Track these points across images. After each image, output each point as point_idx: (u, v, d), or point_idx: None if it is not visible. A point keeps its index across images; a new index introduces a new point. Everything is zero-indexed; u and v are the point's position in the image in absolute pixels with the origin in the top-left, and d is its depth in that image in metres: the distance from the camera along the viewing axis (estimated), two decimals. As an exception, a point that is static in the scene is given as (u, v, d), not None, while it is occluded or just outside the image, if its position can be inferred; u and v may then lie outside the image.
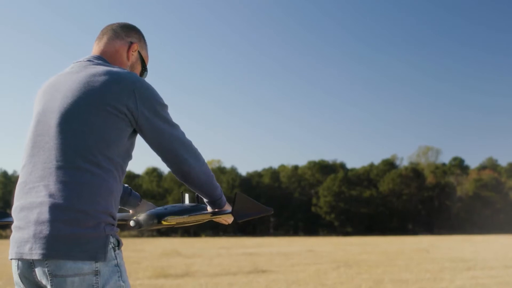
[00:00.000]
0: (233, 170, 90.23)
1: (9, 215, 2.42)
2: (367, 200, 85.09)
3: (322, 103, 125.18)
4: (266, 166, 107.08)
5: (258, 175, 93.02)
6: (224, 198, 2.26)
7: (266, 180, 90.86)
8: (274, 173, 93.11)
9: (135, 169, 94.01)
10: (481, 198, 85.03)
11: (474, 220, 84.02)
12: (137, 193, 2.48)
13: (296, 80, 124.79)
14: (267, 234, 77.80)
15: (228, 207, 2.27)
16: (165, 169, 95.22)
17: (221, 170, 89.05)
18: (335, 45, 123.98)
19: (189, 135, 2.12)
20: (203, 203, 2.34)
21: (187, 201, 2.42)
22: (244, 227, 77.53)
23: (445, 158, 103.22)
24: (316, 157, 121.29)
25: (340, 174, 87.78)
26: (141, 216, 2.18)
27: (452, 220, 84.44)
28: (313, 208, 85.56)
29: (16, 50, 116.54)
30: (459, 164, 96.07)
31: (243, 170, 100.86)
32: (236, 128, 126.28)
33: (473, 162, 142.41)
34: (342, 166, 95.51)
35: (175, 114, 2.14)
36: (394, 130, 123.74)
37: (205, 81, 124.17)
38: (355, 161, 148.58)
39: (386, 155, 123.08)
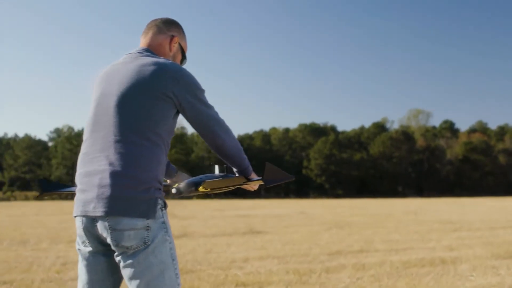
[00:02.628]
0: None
1: (68, 186, 2.81)
2: (357, 163, 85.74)
3: (313, 66, 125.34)
4: (257, 128, 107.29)
5: (249, 137, 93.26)
6: (251, 167, 2.66)
7: (257, 142, 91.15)
8: (265, 136, 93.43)
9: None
10: (471, 161, 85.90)
11: (463, 182, 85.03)
12: (173, 165, 2.93)
13: (287, 43, 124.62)
14: (258, 196, 78.22)
15: (254, 175, 2.67)
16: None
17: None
18: (327, 7, 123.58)
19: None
20: (232, 173, 2.73)
21: (217, 172, 2.83)
22: (236, 190, 77.67)
23: (436, 121, 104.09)
24: (307, 120, 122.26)
25: (331, 137, 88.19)
26: (181, 184, 2.56)
27: (441, 183, 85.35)
28: (304, 171, 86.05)
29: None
30: (449, 127, 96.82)
31: (234, 133, 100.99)
32: (227, 90, 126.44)
33: (463, 125, 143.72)
34: (333, 129, 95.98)
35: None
36: (385, 93, 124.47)
37: (196, 45, 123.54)
38: (346, 124, 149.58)
39: (377, 118, 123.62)
